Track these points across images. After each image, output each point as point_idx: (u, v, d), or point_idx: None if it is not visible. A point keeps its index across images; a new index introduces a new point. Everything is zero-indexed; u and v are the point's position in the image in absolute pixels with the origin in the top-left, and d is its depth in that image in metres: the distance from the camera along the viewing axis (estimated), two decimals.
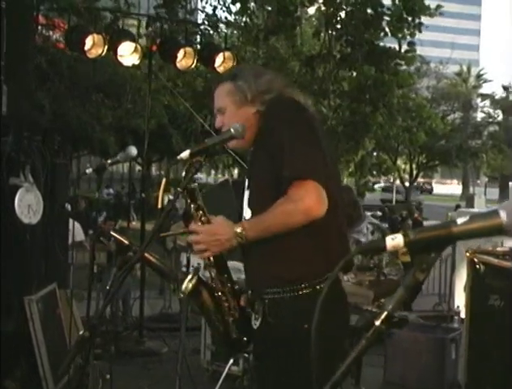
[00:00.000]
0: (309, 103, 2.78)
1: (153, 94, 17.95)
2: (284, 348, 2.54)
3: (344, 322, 2.67)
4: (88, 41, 6.99)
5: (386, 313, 1.21)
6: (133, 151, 6.20)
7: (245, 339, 2.71)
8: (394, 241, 1.20)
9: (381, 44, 12.57)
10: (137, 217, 23.18)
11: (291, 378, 2.51)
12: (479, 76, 53.40)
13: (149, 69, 7.68)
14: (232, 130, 2.57)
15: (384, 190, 47.80)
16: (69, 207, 6.65)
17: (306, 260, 2.54)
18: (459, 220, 1.18)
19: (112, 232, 2.85)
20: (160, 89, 18.01)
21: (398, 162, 39.94)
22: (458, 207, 25.02)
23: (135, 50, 7.21)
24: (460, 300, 9.52)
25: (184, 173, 2.54)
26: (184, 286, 2.63)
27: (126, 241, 2.85)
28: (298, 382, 2.41)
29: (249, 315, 2.71)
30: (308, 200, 2.42)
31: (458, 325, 8.04)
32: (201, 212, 2.65)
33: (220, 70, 7.58)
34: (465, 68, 51.42)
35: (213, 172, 44.89)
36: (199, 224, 2.65)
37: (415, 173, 40.72)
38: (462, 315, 5.99)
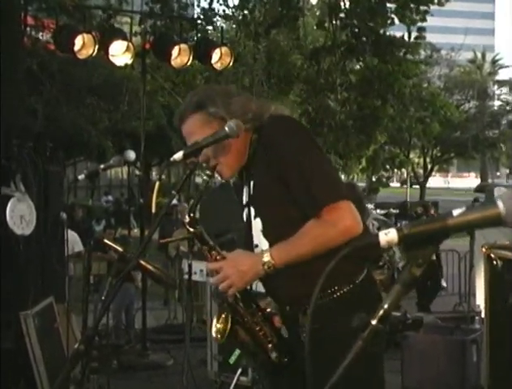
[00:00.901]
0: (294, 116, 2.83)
1: (150, 94, 18.03)
2: (335, 351, 2.57)
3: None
4: (78, 41, 7.01)
5: (382, 311, 1.22)
6: (131, 155, 6.22)
7: (286, 359, 2.73)
8: (388, 236, 1.22)
9: (388, 33, 12.60)
10: (137, 225, 23.25)
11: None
12: (494, 62, 53.05)
13: (142, 68, 7.71)
14: (226, 128, 2.57)
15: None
16: (65, 216, 6.66)
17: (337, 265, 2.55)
18: (455, 212, 1.20)
19: (106, 241, 2.87)
20: (157, 89, 18.07)
21: (411, 156, 39.71)
22: (476, 200, 24.88)
23: (127, 49, 7.23)
24: (481, 299, 9.51)
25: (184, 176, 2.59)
26: (214, 332, 2.67)
27: (121, 249, 2.87)
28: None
29: (287, 334, 2.75)
30: (347, 221, 2.49)
31: (480, 325, 8.02)
32: (214, 253, 2.65)
33: (218, 66, 7.59)
34: (479, 54, 51.13)
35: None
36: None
37: (429, 166, 40.47)
38: (484, 315, 5.95)
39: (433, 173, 46.13)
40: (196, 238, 2.64)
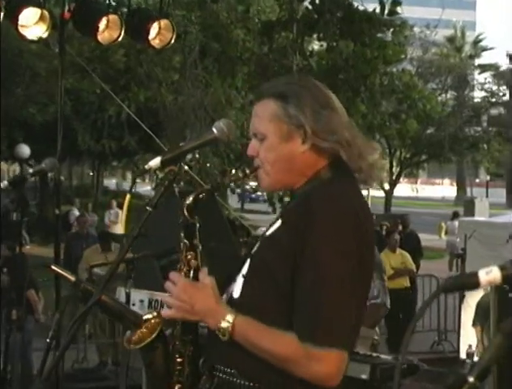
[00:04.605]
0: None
1: (51, 74, 17.84)
2: None
3: None
4: None
5: (481, 366, 1.27)
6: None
7: None
8: (490, 275, 1.26)
9: (361, 7, 12.64)
10: (31, 239, 22.96)
11: None
12: (476, 42, 53.90)
13: (60, 43, 7.64)
14: (214, 129, 2.62)
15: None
16: None
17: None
18: None
19: (54, 267, 2.87)
20: (66, 67, 17.87)
21: None
22: (456, 215, 25.31)
23: (42, 18, 7.16)
24: (469, 337, 9.71)
25: (155, 187, 2.61)
26: (137, 336, 2.68)
27: (73, 278, 2.87)
28: None
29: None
30: (327, 369, 2.51)
31: None
32: (192, 254, 2.71)
33: (156, 43, 7.59)
34: (458, 32, 51.84)
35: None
36: (184, 270, 2.72)
37: (396, 171, 40.21)
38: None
39: (400, 179, 46.35)
40: (185, 227, 2.70)
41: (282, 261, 2.57)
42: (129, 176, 42.37)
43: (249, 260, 2.73)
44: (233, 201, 33.05)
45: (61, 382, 8.14)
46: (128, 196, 2.65)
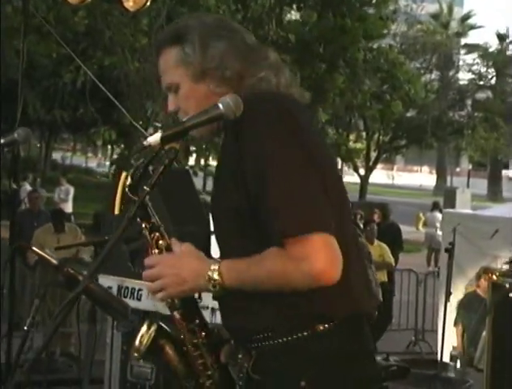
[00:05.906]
0: (306, 95, 2.89)
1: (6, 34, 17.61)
2: None
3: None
4: None
5: None
6: None
7: None
8: None
9: None
10: None
11: None
12: (464, 20, 53.96)
13: (24, 1, 7.59)
14: (220, 105, 2.59)
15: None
16: None
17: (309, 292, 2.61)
18: None
19: (35, 249, 2.86)
20: (13, 27, 17.72)
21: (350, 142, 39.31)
22: (436, 205, 25.40)
23: None
24: (451, 337, 9.79)
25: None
26: (137, 342, 2.68)
27: (55, 261, 2.87)
28: None
29: (232, 374, 2.80)
30: (317, 262, 2.53)
31: (456, 374, 8.31)
32: (157, 234, 2.73)
33: (129, 6, 7.57)
34: (445, 8, 51.87)
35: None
36: (155, 251, 2.73)
37: (374, 156, 40.02)
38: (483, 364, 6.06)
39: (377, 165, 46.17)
40: (137, 210, 2.65)
41: (237, 192, 2.64)
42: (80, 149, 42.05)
43: (211, 215, 2.81)
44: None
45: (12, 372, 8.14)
46: (124, 174, 2.64)
